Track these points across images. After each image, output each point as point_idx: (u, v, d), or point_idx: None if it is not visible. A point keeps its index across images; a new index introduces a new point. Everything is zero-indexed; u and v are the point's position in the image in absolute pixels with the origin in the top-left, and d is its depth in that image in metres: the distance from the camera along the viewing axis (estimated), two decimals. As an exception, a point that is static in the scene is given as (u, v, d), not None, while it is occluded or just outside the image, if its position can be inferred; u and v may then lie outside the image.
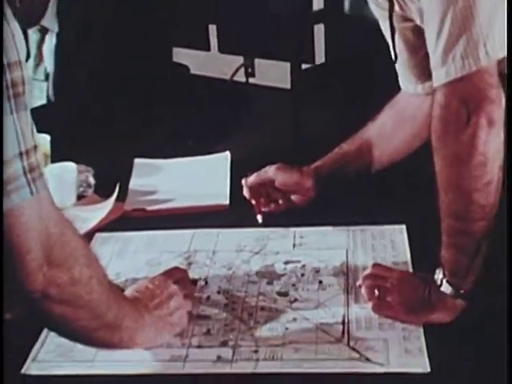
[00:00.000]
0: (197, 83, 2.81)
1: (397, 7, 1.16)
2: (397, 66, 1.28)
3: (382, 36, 1.26)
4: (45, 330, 1.06)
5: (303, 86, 3.05)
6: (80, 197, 1.46)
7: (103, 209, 1.39)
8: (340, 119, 3.10)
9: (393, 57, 1.24)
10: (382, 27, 1.24)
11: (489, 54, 0.95)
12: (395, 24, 1.20)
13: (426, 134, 1.14)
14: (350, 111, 2.98)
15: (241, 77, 3.96)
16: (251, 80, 3.96)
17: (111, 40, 1.87)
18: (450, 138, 0.98)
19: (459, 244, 1.03)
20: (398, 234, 1.27)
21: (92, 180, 1.48)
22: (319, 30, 3.52)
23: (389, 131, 1.34)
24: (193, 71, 2.60)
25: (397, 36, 1.21)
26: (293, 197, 1.35)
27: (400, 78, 1.31)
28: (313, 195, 1.34)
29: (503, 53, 0.96)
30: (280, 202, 1.36)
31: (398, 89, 1.33)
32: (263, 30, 3.80)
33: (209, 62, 4.01)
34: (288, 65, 3.08)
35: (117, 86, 1.87)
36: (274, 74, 3.74)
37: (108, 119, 1.78)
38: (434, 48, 0.99)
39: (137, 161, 1.61)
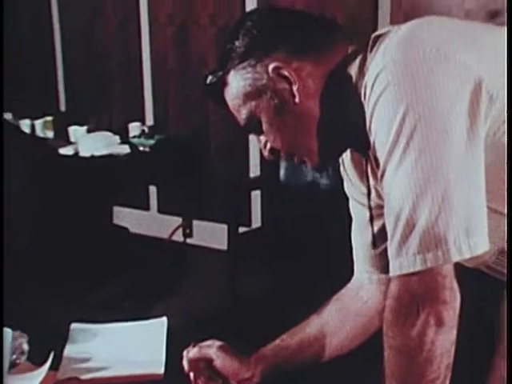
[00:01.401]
0: (135, 243, 2.85)
1: (374, 193, 1.18)
2: (355, 254, 1.29)
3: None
4: None
5: (240, 248, 3.12)
6: (13, 364, 1.43)
7: (35, 378, 1.37)
8: (275, 282, 3.15)
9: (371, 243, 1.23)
10: (354, 211, 1.25)
11: (438, 259, 0.96)
12: (373, 212, 1.21)
13: (373, 330, 1.16)
14: (284, 274, 3.05)
15: (179, 237, 4.02)
16: (189, 240, 4.03)
17: (50, 205, 1.92)
18: (399, 330, 0.99)
19: None
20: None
21: (26, 346, 1.46)
22: (256, 195, 3.66)
23: (332, 327, 1.30)
24: (132, 230, 2.64)
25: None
26: (232, 382, 1.31)
27: (356, 265, 1.30)
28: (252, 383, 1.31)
29: (459, 257, 0.96)
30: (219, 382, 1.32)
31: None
32: (202, 193, 3.93)
33: (148, 222, 4.08)
34: (225, 227, 3.16)
35: (55, 249, 1.89)
36: (211, 235, 3.82)
37: (44, 283, 1.79)
38: (391, 239, 1.01)
39: (73, 325, 1.61)
